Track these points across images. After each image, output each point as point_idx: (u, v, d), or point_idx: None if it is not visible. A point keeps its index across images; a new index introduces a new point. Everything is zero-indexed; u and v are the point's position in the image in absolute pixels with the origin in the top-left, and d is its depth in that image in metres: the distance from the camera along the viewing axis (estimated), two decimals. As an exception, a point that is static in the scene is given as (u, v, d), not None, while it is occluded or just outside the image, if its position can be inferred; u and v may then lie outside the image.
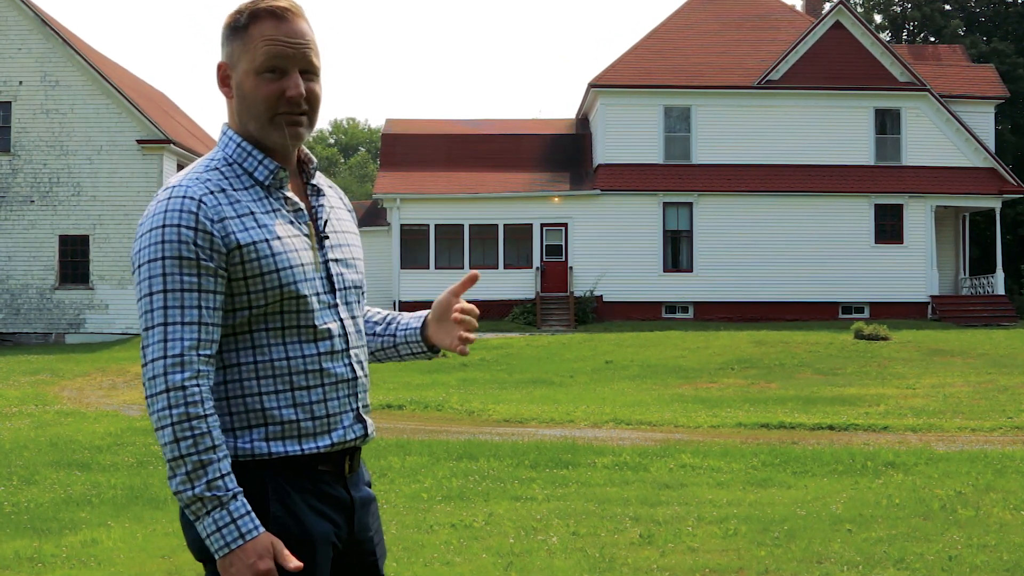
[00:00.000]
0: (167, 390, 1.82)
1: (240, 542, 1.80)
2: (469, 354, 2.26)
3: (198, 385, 1.83)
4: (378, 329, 2.26)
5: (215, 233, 1.88)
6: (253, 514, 1.83)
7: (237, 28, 1.97)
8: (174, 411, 1.81)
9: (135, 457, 9.11)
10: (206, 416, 1.82)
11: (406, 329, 2.23)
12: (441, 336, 2.19)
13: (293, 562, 1.84)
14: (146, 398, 1.86)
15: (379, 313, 2.30)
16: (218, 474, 1.81)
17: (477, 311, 2.18)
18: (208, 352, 1.86)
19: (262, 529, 1.83)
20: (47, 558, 5.62)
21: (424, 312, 2.25)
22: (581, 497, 7.14)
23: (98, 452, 9.40)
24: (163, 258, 1.86)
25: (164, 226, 1.87)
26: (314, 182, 2.07)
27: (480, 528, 6.19)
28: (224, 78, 2.00)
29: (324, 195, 2.08)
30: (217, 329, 1.89)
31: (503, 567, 5.29)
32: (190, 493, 1.80)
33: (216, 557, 1.82)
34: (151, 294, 1.86)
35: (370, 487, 2.13)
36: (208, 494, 1.80)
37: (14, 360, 21.46)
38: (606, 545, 5.75)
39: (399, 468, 8.31)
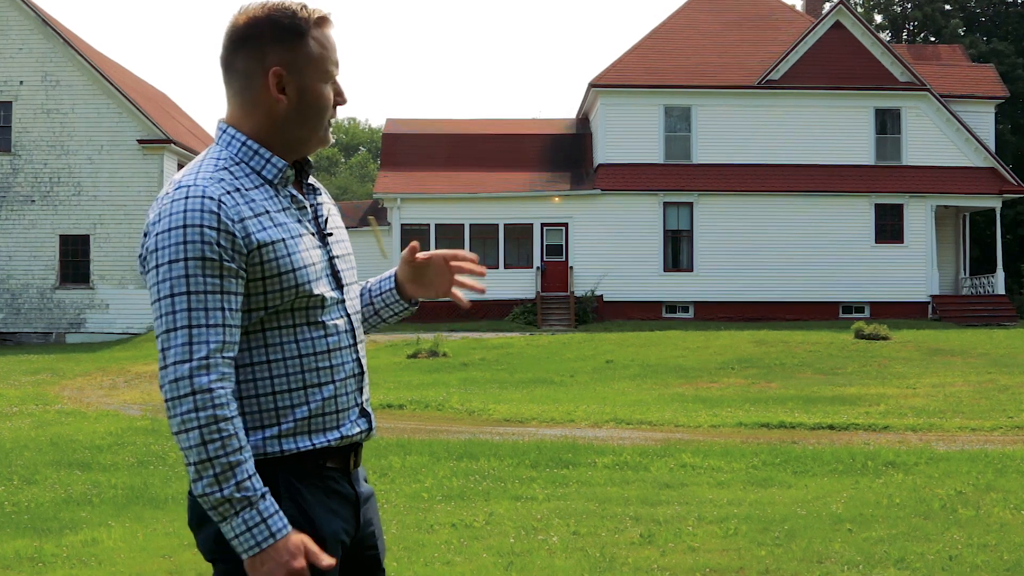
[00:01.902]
0: (193, 393, 1.80)
1: (271, 541, 1.80)
2: (485, 291, 2.30)
3: (224, 387, 1.83)
4: None
5: (236, 233, 1.86)
6: (281, 513, 1.83)
7: (296, 32, 1.94)
8: (201, 414, 1.80)
9: (136, 457, 9.11)
10: (232, 418, 1.82)
11: (380, 293, 2.27)
12: (424, 290, 2.25)
13: (325, 559, 1.85)
14: (167, 400, 1.83)
15: None
16: (246, 475, 1.81)
17: (475, 257, 2.25)
18: (231, 355, 1.86)
19: (291, 528, 1.84)
20: (48, 557, 5.61)
21: (388, 272, 2.29)
22: (582, 497, 7.14)
23: (99, 452, 9.40)
24: (186, 259, 1.83)
25: (186, 226, 1.84)
26: (310, 181, 2.09)
27: (480, 528, 6.19)
28: (280, 85, 1.96)
29: (321, 193, 2.10)
30: (237, 331, 1.88)
31: (503, 567, 5.29)
32: (219, 495, 1.79)
33: (245, 557, 1.82)
34: (173, 295, 1.83)
35: (366, 482, 2.15)
36: (238, 495, 1.79)
37: (15, 360, 21.49)
38: (606, 545, 5.75)
39: (400, 468, 8.31)
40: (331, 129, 2.07)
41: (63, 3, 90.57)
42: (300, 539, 1.84)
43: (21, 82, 27.25)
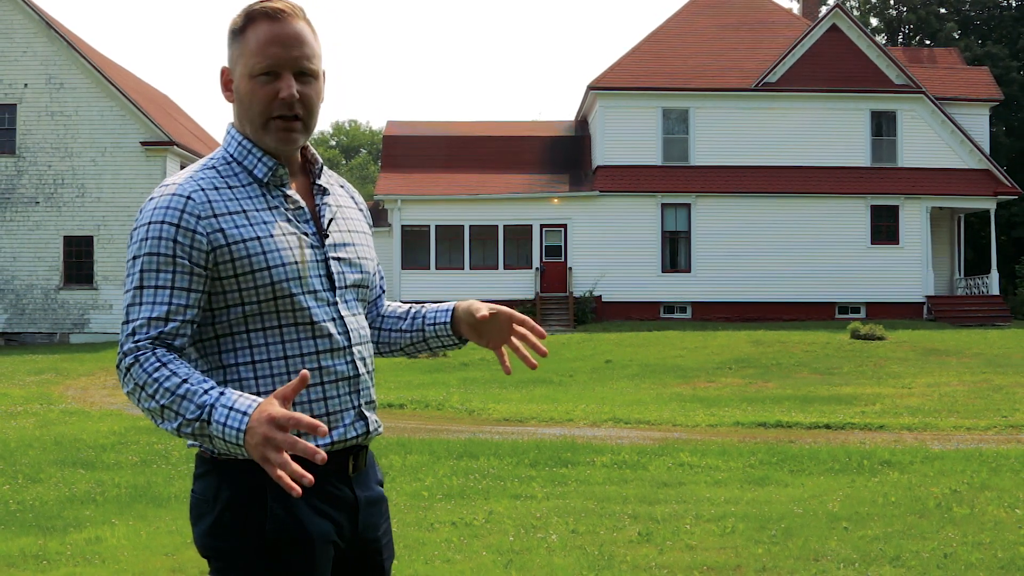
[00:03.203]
0: (127, 369, 1.83)
1: (247, 419, 1.74)
2: (536, 366, 2.21)
3: (152, 350, 1.83)
4: (403, 325, 2.28)
5: (198, 230, 1.88)
6: (244, 394, 1.80)
7: (236, 32, 1.97)
8: (140, 381, 1.82)
9: (139, 456, 9.15)
10: (161, 366, 1.82)
11: (434, 323, 2.24)
12: (479, 337, 2.21)
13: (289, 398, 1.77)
14: (121, 384, 1.87)
15: (401, 307, 2.31)
16: (201, 391, 1.79)
17: (543, 333, 2.18)
18: (174, 343, 1.87)
19: (258, 399, 1.78)
20: (52, 555, 5.65)
21: (448, 305, 2.26)
22: (580, 495, 7.19)
23: (102, 451, 9.44)
24: (143, 255, 1.89)
25: (149, 223, 1.89)
26: (320, 182, 2.06)
27: (480, 526, 6.23)
28: (227, 82, 2.01)
29: (330, 194, 2.08)
30: (187, 324, 1.89)
31: (503, 565, 5.32)
32: (184, 420, 1.79)
33: (244, 451, 1.75)
34: (130, 289, 1.90)
35: (381, 486, 2.13)
36: (199, 412, 1.78)
37: (19, 360, 21.53)
38: (605, 543, 5.79)
39: (400, 467, 8.36)
40: (289, 130, 1.97)
41: (67, 6, 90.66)
42: (267, 400, 1.75)
43: (25, 85, 27.29)
